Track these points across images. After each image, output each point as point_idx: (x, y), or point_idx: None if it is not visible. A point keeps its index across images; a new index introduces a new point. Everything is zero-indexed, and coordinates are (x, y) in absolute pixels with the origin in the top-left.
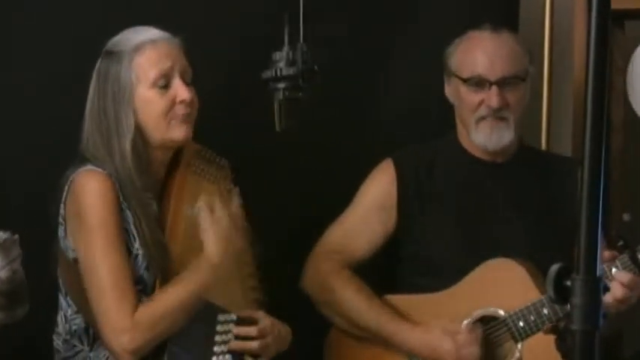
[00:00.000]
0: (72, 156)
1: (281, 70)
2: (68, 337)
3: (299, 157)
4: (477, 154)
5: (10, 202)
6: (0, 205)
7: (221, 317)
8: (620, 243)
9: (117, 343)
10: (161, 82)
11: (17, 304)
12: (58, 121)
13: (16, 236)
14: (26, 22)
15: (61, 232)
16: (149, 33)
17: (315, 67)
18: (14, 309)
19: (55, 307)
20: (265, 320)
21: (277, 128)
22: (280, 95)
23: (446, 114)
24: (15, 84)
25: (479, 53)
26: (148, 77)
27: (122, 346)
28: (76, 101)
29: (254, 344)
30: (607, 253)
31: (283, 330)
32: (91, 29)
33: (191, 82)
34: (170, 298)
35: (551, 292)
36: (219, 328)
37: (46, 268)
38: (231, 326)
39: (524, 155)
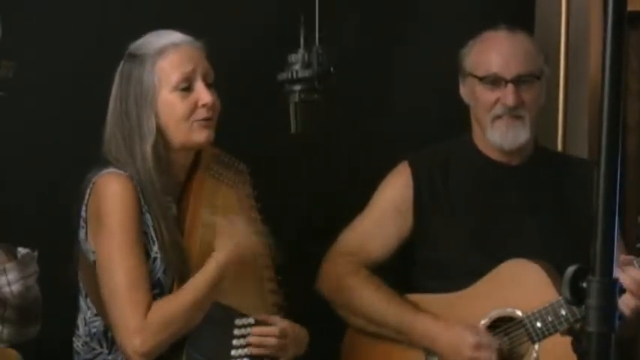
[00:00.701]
0: (72, 156)
1: (296, 72)
2: (88, 339)
3: (312, 158)
4: (493, 155)
5: (10, 202)
6: (0, 205)
7: (239, 321)
8: (639, 245)
9: (129, 345)
10: (183, 85)
11: (29, 322)
12: (58, 121)
13: (35, 253)
14: (26, 22)
15: (82, 234)
16: (172, 36)
17: (331, 69)
18: (26, 326)
19: (73, 309)
20: (283, 323)
21: (293, 130)
22: (296, 97)
23: (462, 114)
24: (15, 84)
25: (494, 52)
26: (170, 80)
27: (134, 348)
28: (76, 101)
29: (272, 341)
30: (624, 257)
31: (301, 333)
32: (91, 29)
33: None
34: (180, 299)
35: (567, 293)
36: (236, 332)
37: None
38: (249, 330)
39: (540, 157)
